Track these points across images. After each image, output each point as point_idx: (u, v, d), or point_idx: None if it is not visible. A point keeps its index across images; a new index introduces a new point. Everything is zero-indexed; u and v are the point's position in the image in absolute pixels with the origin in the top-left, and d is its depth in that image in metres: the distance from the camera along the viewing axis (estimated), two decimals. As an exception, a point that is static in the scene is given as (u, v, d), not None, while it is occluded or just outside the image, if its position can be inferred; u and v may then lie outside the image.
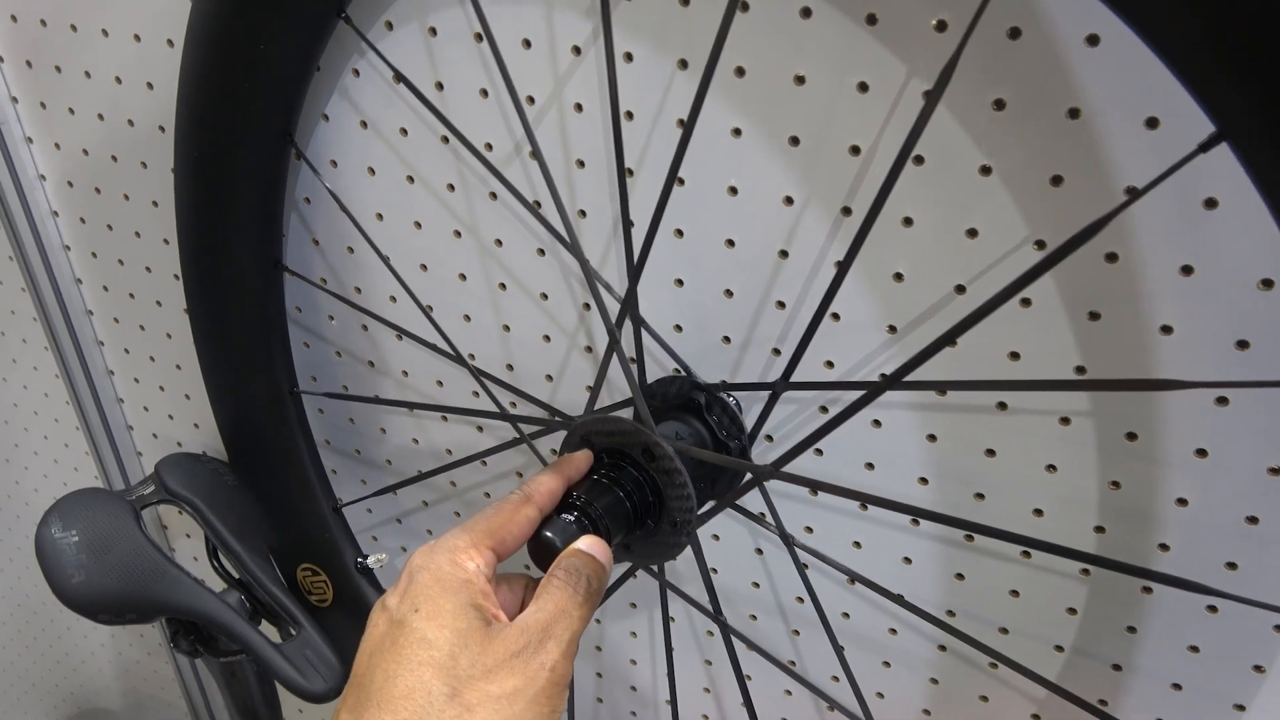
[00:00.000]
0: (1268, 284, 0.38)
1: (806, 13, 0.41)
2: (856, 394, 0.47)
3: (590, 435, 0.45)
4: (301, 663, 0.62)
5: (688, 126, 0.39)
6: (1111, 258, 0.40)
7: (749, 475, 0.47)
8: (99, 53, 0.62)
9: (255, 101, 0.52)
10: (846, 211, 0.45)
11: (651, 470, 0.43)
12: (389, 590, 0.38)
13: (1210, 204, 0.37)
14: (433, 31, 0.50)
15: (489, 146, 0.52)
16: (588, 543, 0.40)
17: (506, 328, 0.58)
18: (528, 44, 0.48)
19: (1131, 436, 0.43)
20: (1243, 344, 0.39)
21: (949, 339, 0.35)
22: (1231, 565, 0.44)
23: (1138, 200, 0.32)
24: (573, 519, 0.41)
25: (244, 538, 0.69)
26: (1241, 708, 0.47)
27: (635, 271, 0.43)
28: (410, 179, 0.56)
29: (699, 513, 0.44)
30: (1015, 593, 0.50)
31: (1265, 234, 0.37)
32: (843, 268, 0.39)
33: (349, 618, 0.66)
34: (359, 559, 0.65)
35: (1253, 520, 0.43)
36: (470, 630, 0.35)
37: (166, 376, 0.77)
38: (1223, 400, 0.41)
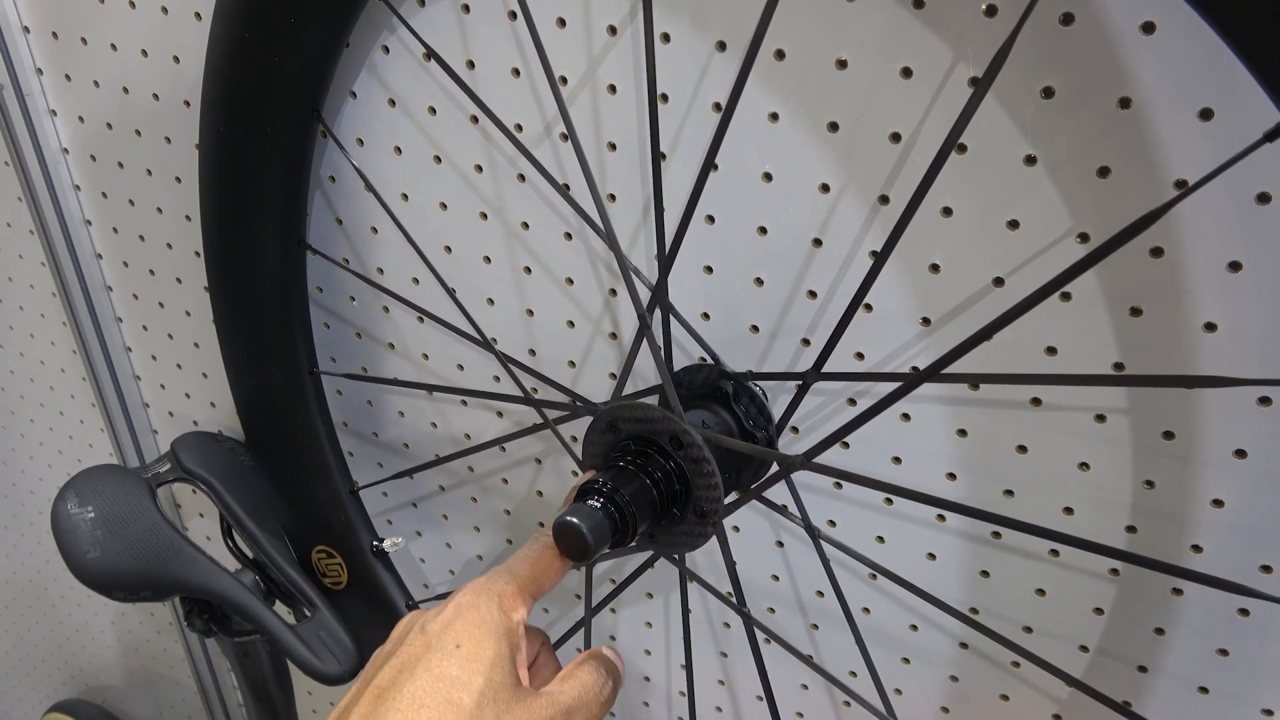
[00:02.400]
0: (1318, 282, 0.37)
1: (851, -5, 0.40)
2: (887, 386, 0.47)
3: (617, 421, 0.44)
4: (316, 644, 0.62)
5: (727, 111, 0.38)
6: (1156, 252, 0.39)
7: (778, 465, 0.46)
8: (126, 25, 0.62)
9: (284, 77, 0.51)
10: (884, 200, 0.44)
11: (679, 459, 0.43)
12: (430, 613, 0.38)
13: (1263, 199, 0.36)
14: (465, 9, 0.50)
15: (519, 127, 0.51)
16: (613, 653, 0.42)
17: (530, 312, 0.57)
18: (562, 23, 0.47)
19: (1169, 436, 0.43)
20: (1289, 342, 0.38)
21: (988, 333, 0.35)
22: (1266, 569, 0.43)
23: (1192, 192, 0.32)
24: (599, 505, 0.41)
25: (259, 518, 0.68)
26: (1270, 713, 0.46)
27: (668, 258, 0.42)
28: (437, 159, 0.55)
29: (725, 503, 0.43)
30: (1041, 591, 0.50)
31: (1318, 231, 0.36)
32: (880, 258, 0.38)
33: (363, 601, 0.66)
34: (375, 542, 0.65)
35: (1291, 524, 0.42)
36: (502, 685, 0.36)
37: (184, 354, 0.76)
38: (1265, 400, 0.40)
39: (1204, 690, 0.48)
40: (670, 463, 0.43)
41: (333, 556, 0.66)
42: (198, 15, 0.58)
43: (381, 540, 0.65)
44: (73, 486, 0.67)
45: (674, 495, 0.43)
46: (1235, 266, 0.38)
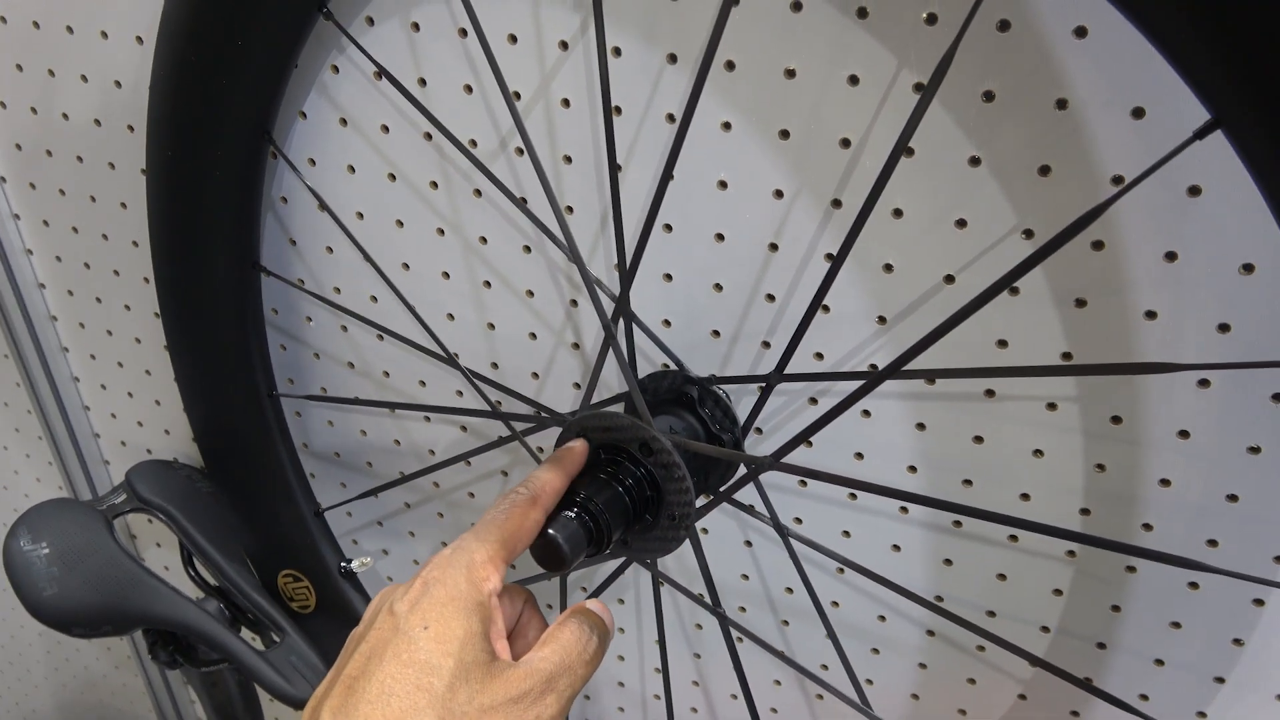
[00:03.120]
0: (1248, 268, 0.39)
1: (797, 6, 0.41)
2: (847, 384, 0.48)
3: (587, 431, 0.44)
4: (288, 670, 0.61)
5: (683, 122, 0.39)
6: (1098, 246, 0.41)
7: (747, 467, 0.47)
8: (63, 50, 0.60)
9: (232, 99, 0.51)
10: (837, 204, 0.45)
11: (649, 465, 0.43)
12: (399, 590, 0.37)
13: (1194, 191, 0.38)
14: (415, 27, 0.50)
15: (473, 143, 0.52)
16: (598, 605, 0.40)
17: (491, 326, 0.57)
18: (514, 39, 0.48)
19: (1116, 420, 0.44)
20: (1224, 327, 0.40)
21: (945, 330, 0.36)
22: (1213, 542, 0.45)
23: (1131, 188, 0.33)
24: (574, 515, 0.41)
25: (221, 544, 0.68)
26: (1221, 680, 0.48)
27: (630, 269, 0.43)
28: (392, 177, 0.55)
29: (697, 506, 0.44)
30: (1003, 576, 0.51)
31: (1247, 220, 0.38)
32: (837, 261, 0.39)
33: (333, 623, 0.66)
34: (343, 563, 0.64)
35: (1233, 498, 0.44)
36: (475, 664, 0.34)
37: (136, 382, 0.75)
38: (1204, 382, 0.42)
39: (1159, 662, 0.50)
40: (641, 469, 0.43)
41: (300, 580, 0.65)
42: (139, 39, 0.57)
43: (349, 561, 0.64)
44: (24, 522, 0.66)
45: (646, 501, 0.44)
46: (1171, 256, 0.40)
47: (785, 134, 0.44)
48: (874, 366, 0.48)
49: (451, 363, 0.53)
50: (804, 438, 0.40)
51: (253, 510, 0.65)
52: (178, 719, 0.98)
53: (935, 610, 0.46)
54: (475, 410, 0.53)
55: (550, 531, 0.40)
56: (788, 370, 0.45)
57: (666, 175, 0.40)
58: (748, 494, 0.54)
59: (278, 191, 0.59)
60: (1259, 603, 0.46)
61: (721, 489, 0.47)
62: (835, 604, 0.57)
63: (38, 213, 0.70)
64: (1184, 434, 0.43)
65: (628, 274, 0.43)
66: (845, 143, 0.43)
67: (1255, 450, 0.42)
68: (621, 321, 0.46)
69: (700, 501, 0.46)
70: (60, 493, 0.87)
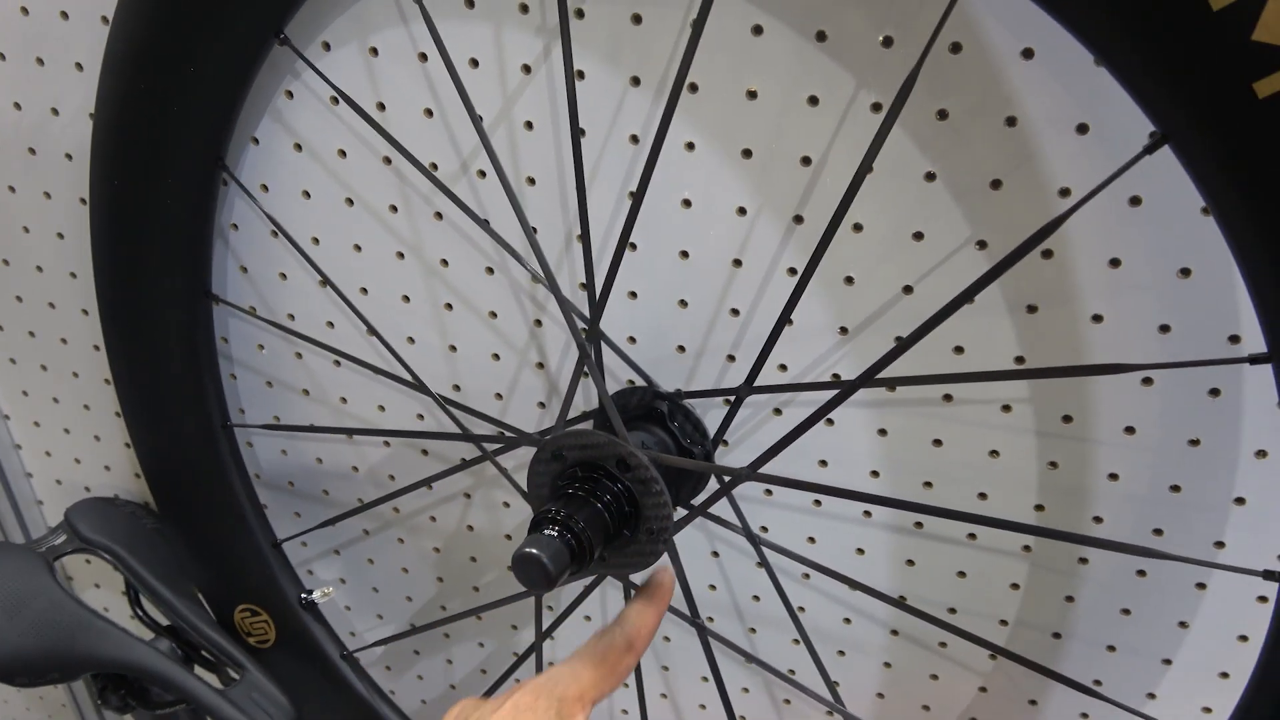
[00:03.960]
0: (1186, 273, 0.41)
1: (758, 30, 0.43)
2: (814, 394, 0.50)
3: (562, 450, 0.45)
4: (250, 706, 0.60)
5: (655, 145, 0.40)
6: (1047, 254, 0.43)
7: (719, 479, 0.48)
8: (-5, 77, 0.58)
9: (183, 126, 0.50)
10: (799, 220, 0.46)
11: (627, 481, 0.44)
12: (486, 708, 0.36)
13: (1135, 202, 0.41)
14: (374, 52, 0.50)
15: (435, 166, 0.52)
16: (663, 578, 0.41)
17: (453, 348, 0.57)
18: (475, 63, 0.48)
19: (1067, 419, 0.47)
20: (1165, 328, 0.43)
21: (915, 339, 0.38)
22: (1158, 531, 0.48)
23: (1086, 201, 0.35)
24: (556, 534, 0.41)
25: (170, 581, 0.65)
26: (1169, 662, 0.51)
27: (605, 287, 0.44)
28: (350, 201, 0.55)
29: (674, 520, 0.44)
30: (962, 574, 0.53)
31: (1183, 227, 0.40)
32: (804, 275, 0.41)
33: (294, 656, 0.64)
34: (303, 594, 0.63)
35: (1175, 489, 0.47)
36: None
37: (73, 418, 0.72)
38: (1148, 381, 0.45)
39: (1112, 649, 0.52)
40: (618, 485, 0.44)
41: (258, 614, 0.64)
42: (79, 66, 0.56)
43: (310, 591, 0.63)
44: (-41, 570, 0.63)
45: (624, 517, 0.44)
46: (1115, 263, 0.42)
47: (748, 153, 0.46)
48: (836, 376, 0.50)
49: (420, 387, 0.53)
50: (780, 448, 0.41)
51: (207, 544, 0.63)
52: (118, 767, 0.94)
53: (901, 608, 0.48)
54: (445, 434, 0.53)
55: (534, 551, 0.40)
56: (755, 383, 0.47)
57: (640, 196, 0.41)
58: (720, 506, 0.55)
59: (228, 218, 0.58)
60: (1201, 586, 0.49)
61: (697, 501, 0.47)
62: (801, 609, 0.58)
63: (-35, 245, 0.67)
64: (1130, 430, 0.46)
65: (601, 294, 0.44)
66: (806, 161, 0.45)
67: (1195, 443, 0.45)
68: (571, 341, 0.47)
69: (675, 515, 0.47)
70: (-11, 536, 0.83)
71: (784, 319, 0.42)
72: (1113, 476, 0.47)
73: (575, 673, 0.37)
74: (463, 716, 0.37)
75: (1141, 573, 0.50)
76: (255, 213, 0.56)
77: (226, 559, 0.63)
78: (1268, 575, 0.36)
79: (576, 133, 0.42)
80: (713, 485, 0.52)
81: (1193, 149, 0.31)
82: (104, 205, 0.54)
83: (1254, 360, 0.33)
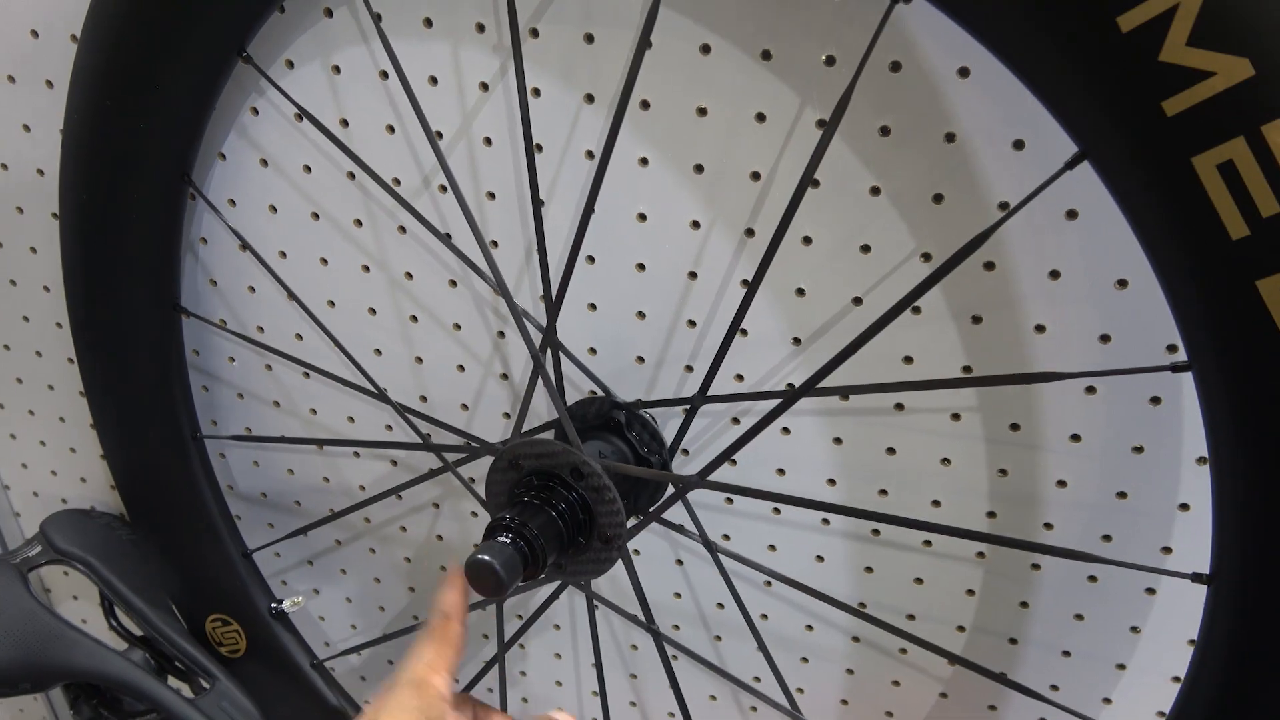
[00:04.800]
0: (1123, 284, 0.42)
1: (706, 49, 0.44)
2: (767, 403, 0.51)
3: (518, 459, 0.46)
4: (219, 715, 0.60)
5: (602, 160, 0.41)
6: (989, 266, 0.44)
7: (675, 486, 0.49)
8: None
9: (150, 142, 0.51)
10: (750, 233, 0.47)
11: (580, 489, 0.45)
12: None
13: (1071, 215, 0.42)
14: (336, 70, 0.51)
15: (397, 181, 0.53)
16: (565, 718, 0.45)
17: (419, 359, 0.58)
18: (434, 81, 0.49)
19: (1015, 427, 0.48)
20: (1105, 338, 0.44)
21: (852, 350, 0.39)
22: (1107, 537, 0.49)
23: (1012, 215, 0.36)
24: (508, 541, 0.42)
25: (144, 592, 0.66)
26: (1123, 666, 0.52)
27: (557, 299, 0.45)
28: (315, 216, 0.56)
29: (628, 527, 0.45)
30: (920, 580, 0.54)
31: (1119, 239, 0.41)
32: (752, 287, 0.42)
33: (264, 666, 0.65)
34: (273, 604, 0.63)
35: (1122, 495, 0.47)
36: None
37: (48, 430, 0.73)
38: (1091, 389, 0.46)
39: (1067, 654, 0.53)
40: (573, 493, 0.45)
41: (229, 624, 0.64)
42: (49, 83, 0.57)
43: (280, 601, 0.64)
44: (-67, 581, 0.63)
45: (579, 524, 0.45)
46: (1055, 275, 0.43)
47: (699, 168, 0.47)
48: (791, 385, 0.51)
49: (381, 397, 0.54)
50: (726, 456, 0.42)
51: (178, 555, 0.64)
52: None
53: (859, 615, 0.48)
54: (406, 443, 0.53)
55: (486, 558, 0.41)
56: (711, 392, 0.48)
57: (588, 210, 0.42)
58: (678, 513, 0.56)
59: (197, 233, 0.59)
60: (1150, 591, 0.49)
61: (651, 509, 0.48)
62: (764, 616, 0.59)
63: (-60, 260, 0.68)
64: (1076, 438, 0.47)
65: (554, 305, 0.45)
66: (755, 175, 0.46)
67: (1138, 450, 0.46)
68: (550, 351, 0.48)
69: (631, 522, 0.48)
70: (-34, 549, 0.83)
71: (734, 330, 0.43)
72: (1061, 484, 0.48)
73: (415, 655, 0.43)
74: None
75: (1093, 578, 0.50)
76: (223, 227, 0.57)
77: (197, 569, 0.64)
78: (1196, 578, 0.37)
79: (531, 149, 0.43)
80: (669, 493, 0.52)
81: (1109, 165, 0.32)
82: (73, 220, 0.55)
83: (1176, 369, 0.34)
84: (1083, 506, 0.49)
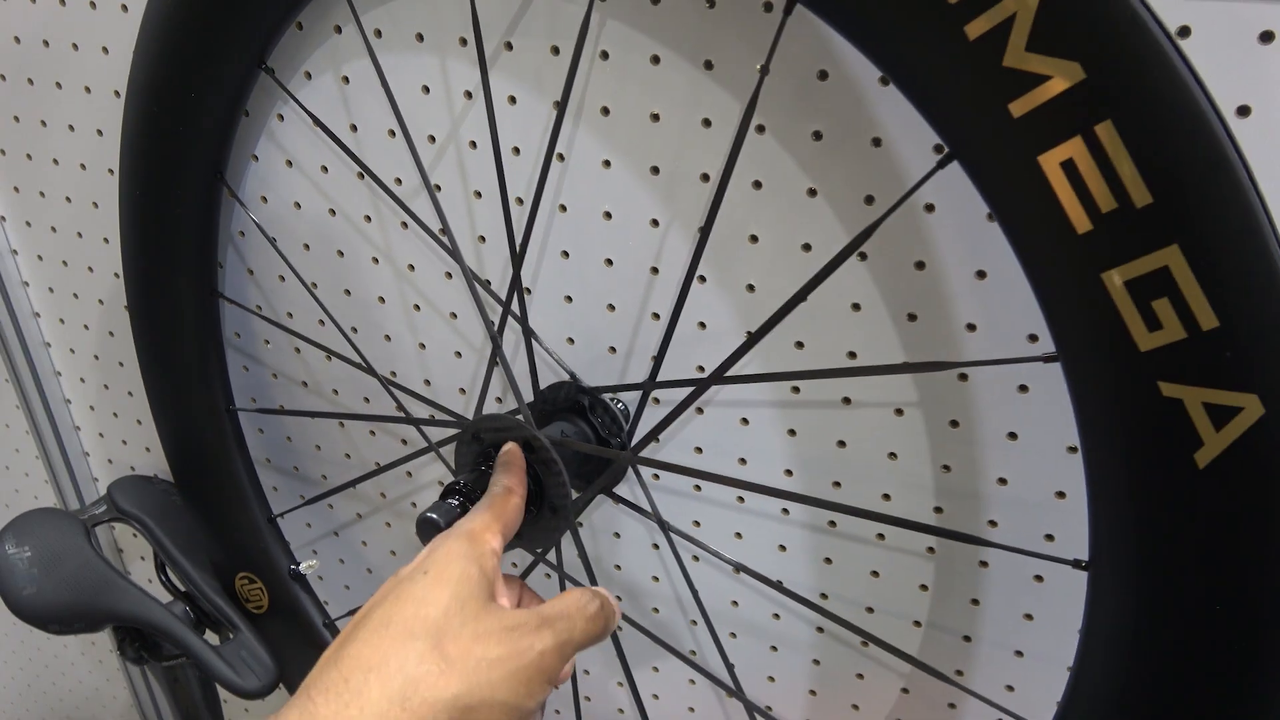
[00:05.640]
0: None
1: (656, 60, 0.47)
2: (734, 393, 0.54)
3: (480, 432, 0.50)
4: (237, 662, 0.67)
5: (546, 160, 0.45)
6: (920, 265, 0.46)
7: (634, 464, 0.52)
8: (53, 103, 0.68)
9: (188, 144, 0.58)
10: (700, 231, 0.51)
11: (532, 461, 0.49)
12: (413, 564, 0.39)
13: (992, 216, 0.43)
14: (345, 80, 0.57)
15: (398, 181, 0.58)
16: (612, 600, 0.43)
17: (423, 345, 0.64)
18: (426, 90, 0.54)
19: (954, 424, 0.49)
20: (1033, 337, 0.45)
21: (756, 339, 0.42)
22: (1049, 536, 0.50)
23: (889, 215, 0.39)
24: (456, 504, 0.46)
25: (189, 552, 0.73)
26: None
27: (517, 288, 0.49)
28: (332, 212, 0.62)
29: (575, 498, 0.49)
30: (876, 573, 0.56)
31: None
32: (686, 282, 0.45)
33: (284, 622, 0.71)
34: (292, 566, 0.70)
35: (1061, 494, 0.48)
36: (471, 597, 0.36)
37: (120, 403, 0.82)
38: (1024, 388, 0.47)
39: (1019, 654, 0.54)
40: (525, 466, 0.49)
41: (254, 582, 0.71)
42: (116, 93, 0.65)
43: (298, 564, 0.70)
44: (11, 528, 0.72)
45: (529, 495, 0.49)
46: (981, 275, 0.45)
47: (655, 170, 0.50)
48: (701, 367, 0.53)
49: (368, 369, 0.59)
50: (654, 435, 0.46)
51: (213, 516, 0.71)
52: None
53: (814, 608, 0.50)
54: (390, 416, 0.59)
55: (433, 516, 0.45)
56: (666, 379, 0.51)
57: (534, 206, 0.46)
58: (637, 494, 0.59)
59: (236, 226, 0.66)
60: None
61: (597, 481, 0.52)
62: (735, 604, 0.61)
63: (32, 249, 0.77)
64: (1012, 436, 0.48)
65: (510, 294, 0.49)
66: (705, 177, 0.49)
67: (1073, 450, 0.47)
68: (521, 337, 0.52)
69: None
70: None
71: (674, 320, 0.47)
72: (1002, 481, 0.50)
73: (472, 515, 0.42)
74: (392, 578, 0.39)
75: (1039, 578, 0.51)
76: (258, 220, 0.64)
77: (230, 530, 0.71)
78: (1076, 564, 0.38)
79: (498, 151, 0.48)
80: (633, 478, 0.56)
81: (973, 165, 0.34)
82: (128, 213, 0.62)
83: (1046, 359, 0.36)
84: (1024, 505, 0.50)
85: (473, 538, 0.40)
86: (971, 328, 0.46)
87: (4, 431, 0.92)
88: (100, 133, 0.68)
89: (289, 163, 0.61)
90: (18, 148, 0.72)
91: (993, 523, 0.51)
